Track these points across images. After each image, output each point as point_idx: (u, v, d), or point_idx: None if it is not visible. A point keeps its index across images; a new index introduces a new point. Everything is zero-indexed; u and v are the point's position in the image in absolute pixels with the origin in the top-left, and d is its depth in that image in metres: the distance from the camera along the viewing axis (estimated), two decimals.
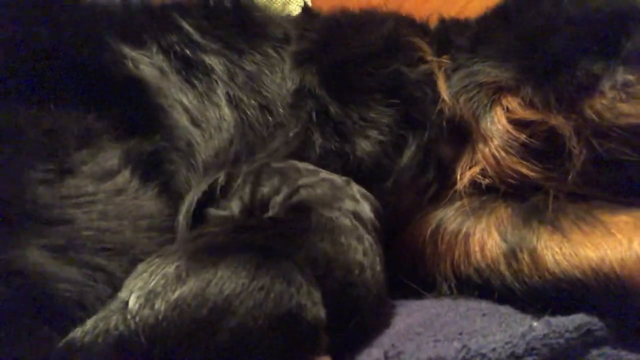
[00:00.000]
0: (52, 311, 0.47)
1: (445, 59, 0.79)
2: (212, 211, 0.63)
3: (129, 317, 0.43)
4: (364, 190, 0.67)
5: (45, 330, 0.45)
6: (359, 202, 0.64)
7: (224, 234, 0.54)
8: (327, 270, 0.51)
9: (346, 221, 0.58)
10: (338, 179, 0.66)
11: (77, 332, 0.43)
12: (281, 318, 0.44)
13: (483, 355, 0.47)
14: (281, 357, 0.43)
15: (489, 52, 0.76)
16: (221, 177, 0.63)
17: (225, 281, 0.44)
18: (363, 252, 0.56)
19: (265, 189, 0.62)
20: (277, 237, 0.52)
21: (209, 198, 0.64)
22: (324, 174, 0.67)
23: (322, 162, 0.72)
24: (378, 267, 0.58)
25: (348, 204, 0.62)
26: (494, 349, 0.48)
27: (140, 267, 0.48)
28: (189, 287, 0.44)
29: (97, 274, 0.50)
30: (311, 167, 0.68)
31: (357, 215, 0.61)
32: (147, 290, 0.44)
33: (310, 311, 0.45)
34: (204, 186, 0.64)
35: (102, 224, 0.53)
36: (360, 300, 0.53)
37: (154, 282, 0.45)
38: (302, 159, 0.71)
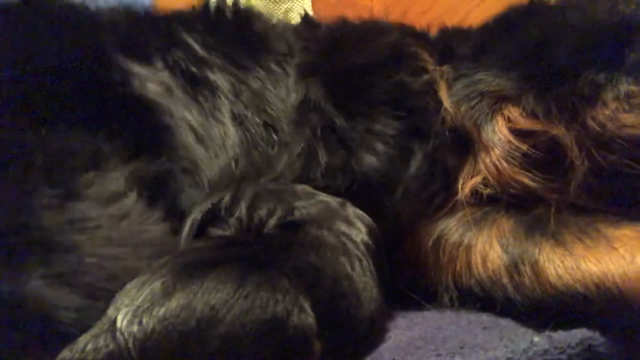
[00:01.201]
0: (52, 337, 0.46)
1: (446, 69, 0.79)
2: (212, 231, 0.63)
3: (118, 334, 0.43)
4: (360, 212, 0.67)
5: (47, 356, 0.45)
6: (352, 223, 0.64)
7: (211, 249, 0.54)
8: (315, 280, 0.51)
9: (334, 239, 0.59)
10: (333, 201, 0.67)
11: (66, 352, 0.43)
12: (268, 324, 0.44)
13: None
14: None
15: (490, 61, 0.76)
16: (226, 198, 0.64)
17: (212, 291, 0.44)
18: (351, 267, 0.57)
19: (262, 212, 0.63)
20: (263, 250, 0.53)
21: (212, 218, 0.64)
22: (322, 197, 0.67)
23: (327, 180, 0.72)
24: (370, 282, 0.58)
25: (339, 225, 0.62)
26: None
27: (128, 285, 0.48)
28: (176, 300, 0.44)
29: (98, 300, 0.50)
30: (309, 190, 0.68)
31: (347, 235, 0.61)
32: (134, 307, 0.44)
33: (297, 317, 0.45)
34: (207, 205, 0.64)
35: (106, 251, 0.53)
36: (352, 311, 0.54)
37: (141, 298, 0.45)
38: (307, 179, 0.71)
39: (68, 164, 0.55)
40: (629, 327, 0.55)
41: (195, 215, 0.61)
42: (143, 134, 0.65)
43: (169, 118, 0.68)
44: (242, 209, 0.61)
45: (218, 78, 0.72)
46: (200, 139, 0.69)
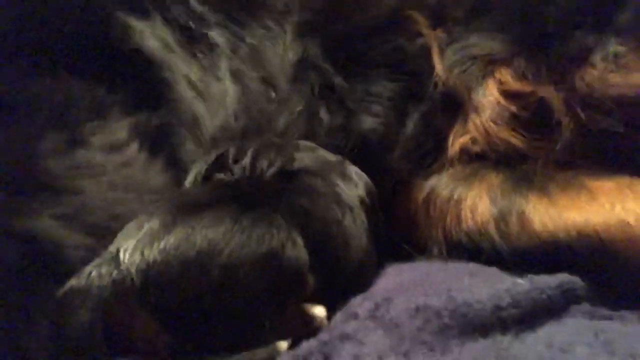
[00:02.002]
0: (60, 273, 0.49)
1: (440, 32, 0.80)
2: (217, 176, 0.65)
3: (121, 264, 0.44)
4: (358, 170, 0.69)
5: (52, 291, 0.47)
6: (348, 178, 0.66)
7: (207, 191, 0.56)
8: (306, 221, 0.53)
9: (327, 189, 0.61)
10: (333, 157, 0.69)
11: (72, 281, 0.45)
12: (264, 256, 0.46)
13: (468, 305, 0.49)
14: (269, 294, 0.45)
15: (482, 24, 0.77)
16: (232, 150, 0.65)
17: (209, 227, 0.46)
18: (342, 214, 0.59)
19: (263, 162, 0.64)
20: (258, 193, 0.55)
21: (218, 167, 0.66)
22: (322, 152, 0.69)
23: (329, 139, 0.74)
24: (360, 231, 0.60)
25: (334, 177, 0.64)
26: (478, 301, 0.50)
27: (127, 226, 0.50)
28: (175, 235, 0.46)
29: (104, 240, 0.52)
30: (311, 145, 0.70)
31: (341, 187, 0.63)
32: (135, 242, 0.46)
33: (291, 250, 0.48)
34: (212, 156, 0.65)
35: (111, 195, 0.55)
36: (341, 254, 0.56)
37: (141, 235, 0.47)
38: (312, 137, 0.72)
39: (72, 112, 0.56)
40: (606, 272, 0.58)
41: (201, 166, 0.63)
42: (143, 87, 0.66)
43: (169, 72, 0.68)
44: (247, 159, 0.63)
45: (216, 34, 0.73)
46: (199, 94, 0.70)
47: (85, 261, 0.49)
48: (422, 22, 0.83)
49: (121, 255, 0.45)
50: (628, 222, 0.58)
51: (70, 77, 0.60)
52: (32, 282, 0.48)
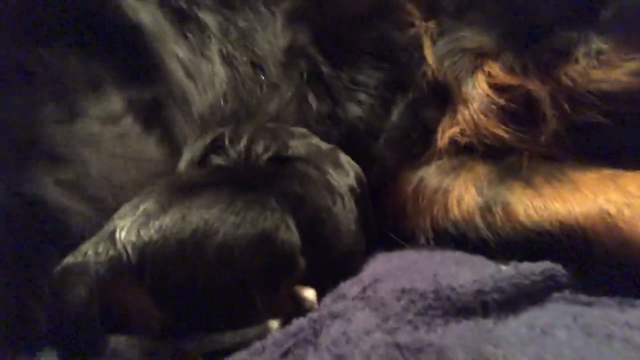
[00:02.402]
0: (64, 241, 0.50)
1: (431, 24, 0.82)
2: (213, 158, 0.66)
3: (117, 242, 0.45)
4: (351, 161, 0.70)
5: (56, 256, 0.48)
6: (340, 166, 0.68)
7: (202, 173, 0.57)
8: (297, 206, 0.54)
9: (319, 176, 0.63)
10: (325, 145, 0.70)
11: (69, 258, 0.46)
12: (258, 237, 0.47)
13: (452, 289, 0.51)
14: (262, 274, 0.47)
15: (473, 18, 0.79)
16: (227, 133, 0.66)
17: (205, 208, 0.47)
18: (333, 201, 0.60)
19: (259, 147, 0.65)
20: (252, 176, 0.56)
21: (211, 152, 0.67)
22: (315, 139, 0.70)
23: (318, 125, 0.75)
24: (350, 218, 0.62)
25: (326, 165, 0.66)
26: (462, 285, 0.52)
27: (122, 207, 0.51)
28: (171, 215, 0.47)
29: (105, 209, 0.53)
30: (305, 132, 0.71)
31: (332, 175, 0.65)
32: (131, 222, 0.47)
33: (284, 233, 0.49)
34: (208, 139, 0.67)
35: (110, 163, 0.56)
36: (331, 240, 0.58)
37: (137, 214, 0.47)
38: (303, 124, 0.74)
39: (69, 84, 0.57)
40: (588, 260, 0.60)
41: (196, 148, 0.64)
42: (136, 62, 0.67)
43: (160, 49, 0.69)
44: (243, 143, 0.64)
45: (206, 16, 0.74)
46: (189, 74, 0.71)
47: (86, 229, 0.50)
48: (414, 13, 0.84)
49: (117, 234, 0.46)
50: (609, 212, 0.60)
51: (65, 50, 0.61)
52: (38, 245, 0.49)
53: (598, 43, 0.70)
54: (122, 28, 0.68)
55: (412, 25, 0.81)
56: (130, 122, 0.60)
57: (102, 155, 0.55)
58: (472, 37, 0.78)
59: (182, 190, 0.50)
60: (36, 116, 0.52)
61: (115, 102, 0.60)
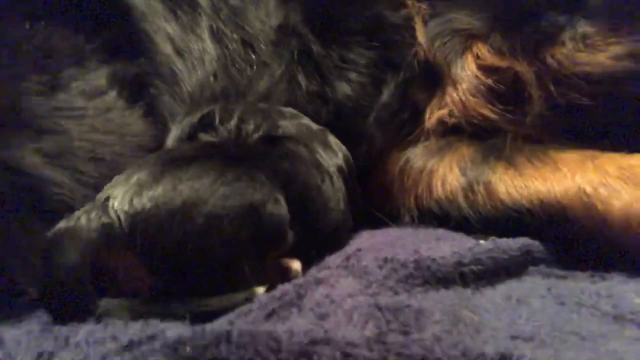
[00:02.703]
0: (44, 209, 0.51)
1: (424, 5, 0.83)
2: (202, 136, 0.67)
3: (110, 211, 0.47)
4: (339, 142, 0.71)
5: (38, 224, 0.49)
6: (329, 146, 0.69)
7: (193, 148, 0.58)
8: (286, 183, 0.55)
9: (308, 155, 0.64)
10: (315, 126, 0.71)
11: (62, 223, 0.47)
12: (247, 208, 0.49)
13: (433, 260, 0.53)
14: (250, 244, 0.48)
15: (464, 0, 0.80)
16: (217, 110, 0.67)
17: (195, 179, 0.48)
18: (321, 179, 0.61)
19: (249, 126, 0.66)
20: (242, 152, 0.57)
21: (200, 129, 0.67)
22: (305, 120, 0.71)
23: (308, 104, 0.76)
24: (338, 196, 0.63)
25: (316, 145, 0.67)
26: (442, 257, 0.54)
27: (115, 177, 0.52)
28: (163, 185, 0.48)
29: (87, 181, 0.53)
30: (295, 112, 0.72)
31: (321, 155, 0.66)
32: (123, 191, 0.48)
33: (272, 206, 0.50)
34: (197, 115, 0.67)
35: (93, 136, 0.57)
36: (320, 216, 0.59)
37: (129, 185, 0.49)
38: (293, 102, 0.74)
39: (53, 57, 0.57)
40: (564, 236, 0.63)
41: (185, 124, 0.64)
42: (122, 37, 0.67)
43: (148, 24, 0.69)
44: (233, 121, 0.65)
45: None
46: (178, 51, 0.71)
47: (68, 199, 0.51)
48: None
49: (110, 202, 0.47)
50: (585, 191, 0.62)
51: (50, 23, 0.61)
52: (19, 213, 0.50)
53: (584, 27, 0.72)
54: (111, 4, 0.67)
55: (405, 5, 0.81)
56: (114, 96, 0.60)
57: (85, 127, 0.56)
58: (462, 19, 0.79)
59: (174, 162, 0.51)
60: (19, 88, 0.53)
61: (99, 76, 0.60)
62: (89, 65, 0.62)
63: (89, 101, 0.58)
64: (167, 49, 0.71)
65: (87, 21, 0.64)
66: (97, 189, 0.53)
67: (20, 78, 0.54)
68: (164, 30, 0.71)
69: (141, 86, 0.66)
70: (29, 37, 0.58)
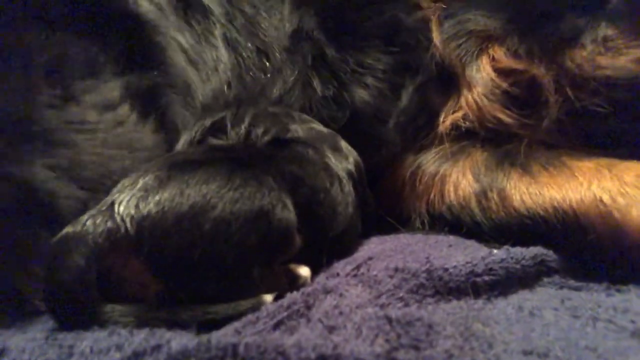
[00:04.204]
0: (52, 222, 0.50)
1: (439, 6, 0.81)
2: (211, 140, 0.66)
3: (116, 215, 0.46)
4: (349, 146, 0.71)
5: (46, 236, 0.48)
6: (339, 151, 0.68)
7: (200, 152, 0.58)
8: (294, 186, 0.55)
9: (317, 158, 0.63)
10: (326, 130, 0.70)
11: (68, 228, 0.47)
12: (255, 213, 0.48)
13: (445, 270, 0.52)
14: (258, 249, 0.48)
15: (480, 1, 0.78)
16: (228, 115, 0.66)
17: (203, 183, 0.48)
18: (330, 183, 0.60)
19: (259, 129, 0.66)
20: (250, 156, 0.57)
21: (210, 133, 0.67)
22: (316, 124, 0.70)
23: (323, 109, 0.75)
24: (347, 200, 0.62)
25: (325, 149, 0.66)
26: (455, 266, 0.53)
27: (122, 181, 0.51)
28: (170, 189, 0.47)
29: (97, 196, 0.53)
30: (306, 117, 0.71)
31: (330, 159, 0.65)
32: (130, 195, 0.47)
33: (280, 211, 0.50)
34: (208, 121, 0.66)
35: (104, 151, 0.57)
36: (327, 220, 0.58)
37: (136, 189, 0.48)
38: (308, 108, 0.74)
39: (66, 69, 0.57)
40: (579, 246, 0.61)
41: (197, 127, 0.64)
42: (135, 49, 0.67)
43: (161, 36, 0.69)
44: (244, 125, 0.64)
45: (211, 2, 0.73)
46: (191, 61, 0.71)
47: (77, 213, 0.50)
48: None
49: (116, 206, 0.46)
50: (602, 200, 0.60)
51: (65, 34, 0.61)
52: (27, 227, 0.50)
53: (605, 29, 0.69)
54: (124, 15, 0.67)
55: (420, 7, 0.80)
56: (127, 109, 0.60)
57: (96, 142, 0.55)
58: (478, 20, 0.77)
59: (181, 166, 0.50)
60: (31, 100, 0.53)
61: (112, 88, 0.60)
62: (102, 77, 0.62)
63: (101, 115, 0.58)
64: (181, 60, 0.70)
65: (101, 33, 0.64)
66: None
67: (33, 90, 0.54)
68: (177, 41, 0.70)
69: (154, 98, 0.66)
70: (43, 48, 0.57)
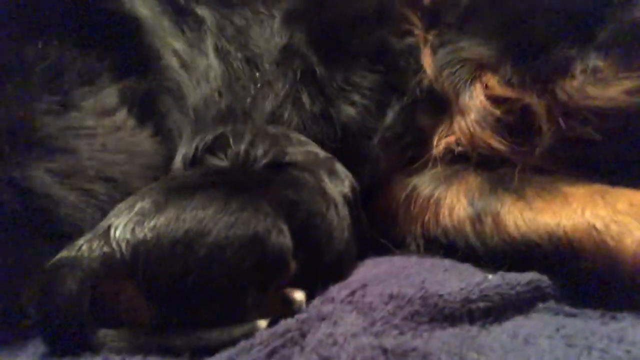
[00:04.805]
0: (52, 229, 0.50)
1: (432, 34, 0.83)
2: (209, 159, 0.66)
3: (111, 240, 0.46)
4: (345, 170, 0.72)
5: (44, 245, 0.48)
6: (335, 175, 0.69)
7: (198, 175, 0.58)
8: (290, 211, 0.55)
9: (313, 182, 0.63)
10: (322, 153, 0.71)
11: (64, 252, 0.47)
12: (250, 239, 0.48)
13: (440, 296, 0.52)
14: (252, 275, 0.48)
15: (474, 30, 0.80)
16: (229, 133, 0.67)
17: (199, 208, 0.48)
18: (326, 207, 0.61)
19: (258, 151, 0.66)
20: (247, 180, 0.57)
21: (209, 151, 0.67)
22: (313, 147, 0.72)
23: (312, 124, 0.76)
24: (343, 224, 0.63)
25: (321, 173, 0.67)
26: (450, 292, 0.53)
27: (118, 205, 0.51)
28: (166, 214, 0.48)
29: (96, 201, 0.53)
30: (303, 139, 0.72)
31: (327, 183, 0.66)
32: (126, 220, 0.48)
33: (276, 236, 0.50)
34: (207, 137, 0.67)
35: (103, 156, 0.57)
36: (323, 244, 0.58)
37: (132, 213, 0.48)
38: (296, 122, 0.75)
39: (65, 77, 0.58)
40: (574, 273, 0.61)
41: (191, 147, 0.64)
42: (132, 54, 0.68)
43: (156, 40, 0.70)
44: (243, 145, 0.65)
45: (203, 12, 0.75)
46: (184, 65, 0.72)
47: (76, 219, 0.50)
48: (415, 22, 0.85)
49: (112, 231, 0.46)
50: (595, 227, 0.61)
51: (62, 42, 0.62)
52: (28, 233, 0.50)
53: (595, 60, 0.71)
54: (120, 21, 0.68)
55: (411, 33, 0.82)
56: (125, 114, 0.61)
57: (95, 147, 0.56)
58: (472, 48, 0.79)
59: (178, 191, 0.51)
60: (31, 107, 0.53)
61: (110, 94, 0.61)
62: (100, 83, 0.62)
63: (99, 120, 0.58)
64: (174, 63, 0.72)
65: (98, 39, 0.65)
66: (106, 209, 0.53)
67: (32, 97, 0.54)
68: (171, 45, 0.72)
69: (151, 102, 0.67)
70: (41, 56, 0.58)
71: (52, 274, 0.45)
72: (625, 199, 0.62)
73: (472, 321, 0.52)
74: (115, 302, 0.45)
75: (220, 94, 0.73)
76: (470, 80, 0.78)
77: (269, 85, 0.76)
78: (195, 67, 0.72)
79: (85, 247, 0.45)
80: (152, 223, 0.47)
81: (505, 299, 0.56)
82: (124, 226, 0.47)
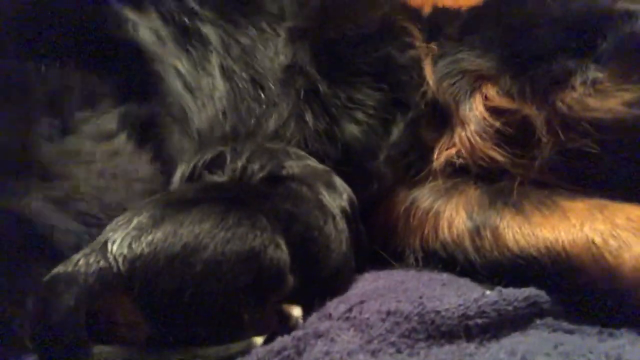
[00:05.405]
0: (50, 256, 0.50)
1: (432, 46, 0.83)
2: (207, 176, 0.66)
3: (108, 254, 0.46)
4: (344, 183, 0.71)
5: (43, 271, 0.48)
6: (333, 188, 0.69)
7: (195, 190, 0.58)
8: (288, 224, 0.55)
9: (311, 195, 0.63)
10: (320, 167, 0.71)
11: (60, 267, 0.47)
12: (247, 254, 0.48)
13: (437, 313, 0.51)
14: (249, 291, 0.47)
15: (474, 41, 0.80)
16: (227, 152, 0.67)
17: (196, 223, 0.48)
18: (324, 221, 0.61)
19: (255, 166, 0.66)
20: (244, 194, 0.57)
21: (207, 168, 0.67)
22: (311, 161, 0.71)
23: (316, 143, 0.76)
24: (341, 238, 0.62)
25: (319, 186, 0.66)
26: (447, 309, 0.52)
27: (116, 220, 0.51)
28: (163, 229, 0.47)
29: (91, 227, 0.53)
30: (301, 153, 0.72)
31: (324, 196, 0.65)
32: (123, 235, 0.47)
33: (273, 251, 0.50)
34: (208, 156, 0.67)
35: (100, 182, 0.57)
36: (321, 257, 0.58)
37: (129, 228, 0.48)
38: (299, 140, 0.75)
39: (65, 100, 0.58)
40: (571, 287, 0.61)
41: (196, 161, 0.64)
42: (134, 78, 0.68)
43: (159, 65, 0.70)
44: (241, 161, 0.64)
45: (209, 31, 0.75)
46: (188, 88, 0.72)
47: (74, 246, 0.50)
48: (416, 35, 0.86)
49: (109, 246, 0.46)
50: (594, 241, 0.60)
51: (64, 65, 0.62)
52: (23, 261, 0.50)
53: (595, 72, 0.71)
54: (123, 44, 0.69)
55: (412, 46, 0.82)
56: (124, 139, 0.61)
57: (93, 173, 0.56)
58: (472, 60, 0.79)
59: (175, 205, 0.50)
60: (29, 131, 0.53)
61: (110, 118, 0.61)
62: (100, 107, 0.63)
63: (97, 145, 0.59)
64: (178, 86, 0.72)
65: (101, 62, 0.65)
66: None
67: (31, 121, 0.55)
68: (174, 68, 0.71)
69: (150, 127, 0.67)
70: (43, 79, 0.58)
71: (48, 289, 0.45)
72: (623, 213, 0.62)
73: (469, 338, 0.52)
74: (112, 318, 0.45)
75: (225, 115, 0.73)
76: (470, 91, 0.79)
77: (273, 105, 0.76)
78: (200, 88, 0.72)
79: (81, 262, 0.45)
80: (149, 238, 0.47)
81: (503, 315, 0.55)
82: (120, 241, 0.47)
